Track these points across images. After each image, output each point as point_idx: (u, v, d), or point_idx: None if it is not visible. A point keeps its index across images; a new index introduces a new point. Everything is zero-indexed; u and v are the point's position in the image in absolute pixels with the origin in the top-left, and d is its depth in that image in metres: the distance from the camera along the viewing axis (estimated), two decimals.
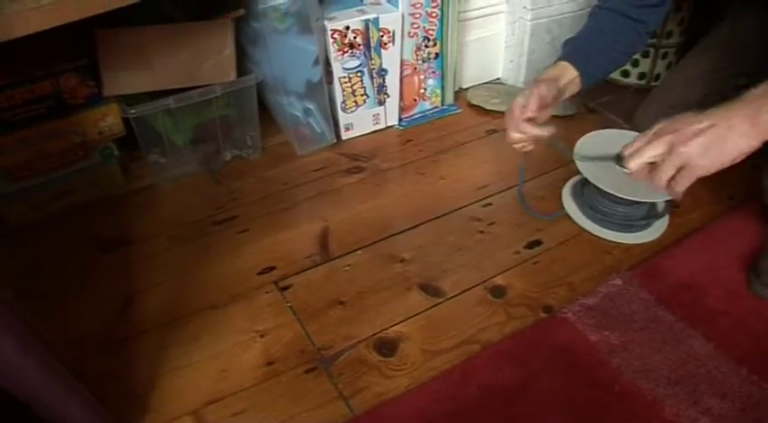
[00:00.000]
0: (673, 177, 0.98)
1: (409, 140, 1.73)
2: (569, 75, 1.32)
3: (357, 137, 1.74)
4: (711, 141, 0.95)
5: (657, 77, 1.97)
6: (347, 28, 1.55)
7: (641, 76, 2.00)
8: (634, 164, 1.02)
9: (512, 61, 2.00)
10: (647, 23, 1.39)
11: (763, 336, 1.17)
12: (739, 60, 1.52)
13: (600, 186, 1.35)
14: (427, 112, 1.85)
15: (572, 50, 1.36)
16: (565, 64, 1.33)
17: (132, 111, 1.41)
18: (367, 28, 1.58)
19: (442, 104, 1.88)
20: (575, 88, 1.33)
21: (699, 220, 1.44)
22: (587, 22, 1.43)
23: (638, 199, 1.34)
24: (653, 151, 1.00)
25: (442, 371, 1.09)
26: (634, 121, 1.61)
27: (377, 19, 1.58)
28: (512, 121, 1.23)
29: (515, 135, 1.23)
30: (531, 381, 1.08)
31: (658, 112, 1.56)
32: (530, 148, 1.26)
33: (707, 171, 0.96)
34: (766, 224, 1.35)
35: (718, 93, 1.49)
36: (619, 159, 1.07)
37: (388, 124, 1.79)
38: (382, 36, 1.61)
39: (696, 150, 0.95)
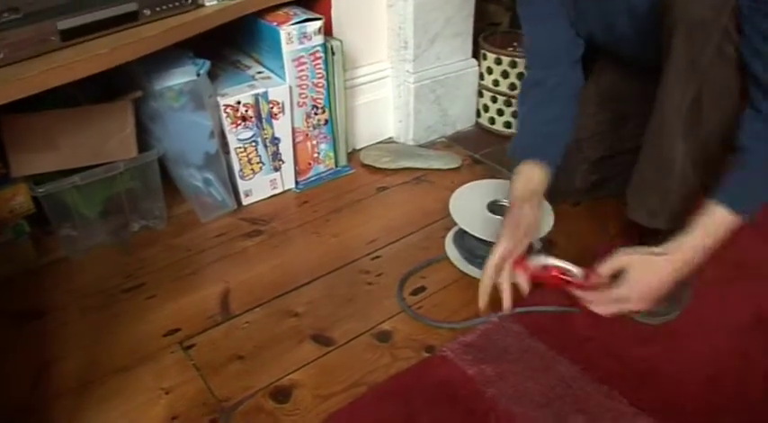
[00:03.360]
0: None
1: (305, 202, 1.82)
2: (540, 176, 1.39)
3: (257, 202, 1.82)
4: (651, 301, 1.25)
5: None
6: (239, 102, 1.65)
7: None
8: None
9: (401, 121, 2.11)
10: (574, 81, 1.53)
11: (624, 355, 1.29)
12: (605, 107, 1.67)
13: (474, 234, 1.48)
14: (322, 175, 1.93)
15: (525, 147, 1.45)
16: (530, 166, 1.40)
17: (40, 189, 1.47)
18: (257, 101, 1.67)
19: (336, 166, 1.96)
20: (540, 184, 1.40)
21: (575, 256, 1.50)
22: (522, 113, 1.53)
23: None
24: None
25: (330, 413, 1.18)
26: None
27: (266, 92, 1.68)
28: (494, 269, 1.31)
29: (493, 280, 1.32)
30: (413, 415, 1.18)
31: None
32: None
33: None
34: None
35: (591, 135, 1.64)
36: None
37: (286, 188, 1.87)
38: (272, 108, 1.71)
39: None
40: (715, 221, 1.20)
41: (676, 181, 1.30)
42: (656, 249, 1.24)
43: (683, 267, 1.23)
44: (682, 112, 1.25)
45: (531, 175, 1.39)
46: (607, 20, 1.39)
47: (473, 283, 1.47)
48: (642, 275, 1.24)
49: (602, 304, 1.29)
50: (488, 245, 1.46)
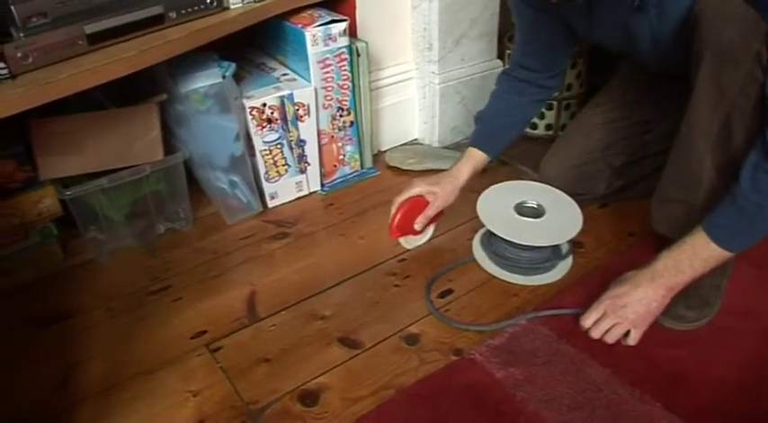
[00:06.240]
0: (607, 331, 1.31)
1: (331, 204, 1.83)
2: (479, 161, 1.60)
3: (282, 204, 1.83)
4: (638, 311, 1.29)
5: (563, 127, 2.10)
6: (264, 105, 1.65)
7: (548, 127, 2.13)
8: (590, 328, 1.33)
9: (426, 123, 2.11)
10: (548, 89, 1.61)
11: (654, 358, 1.28)
12: (631, 112, 1.66)
13: (502, 235, 1.47)
14: (348, 177, 1.94)
15: (480, 136, 1.62)
16: (474, 151, 1.60)
17: (68, 192, 1.48)
18: (282, 103, 1.67)
19: (362, 168, 1.97)
20: (483, 166, 1.62)
21: (601, 258, 1.56)
22: (494, 96, 1.62)
23: (538, 244, 1.46)
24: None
25: (359, 416, 1.18)
26: (539, 170, 1.74)
27: (291, 95, 1.68)
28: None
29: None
30: (441, 419, 1.17)
31: (560, 162, 1.70)
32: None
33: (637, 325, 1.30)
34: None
35: (616, 141, 1.64)
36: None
37: (311, 190, 1.87)
38: (297, 110, 1.71)
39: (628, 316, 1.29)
40: (695, 246, 1.23)
41: (702, 195, 1.28)
42: (639, 276, 1.30)
43: (667, 290, 1.27)
44: (710, 134, 1.23)
45: (477, 163, 1.61)
46: (630, 44, 1.37)
47: (501, 285, 1.49)
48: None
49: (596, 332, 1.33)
50: (516, 246, 1.47)
